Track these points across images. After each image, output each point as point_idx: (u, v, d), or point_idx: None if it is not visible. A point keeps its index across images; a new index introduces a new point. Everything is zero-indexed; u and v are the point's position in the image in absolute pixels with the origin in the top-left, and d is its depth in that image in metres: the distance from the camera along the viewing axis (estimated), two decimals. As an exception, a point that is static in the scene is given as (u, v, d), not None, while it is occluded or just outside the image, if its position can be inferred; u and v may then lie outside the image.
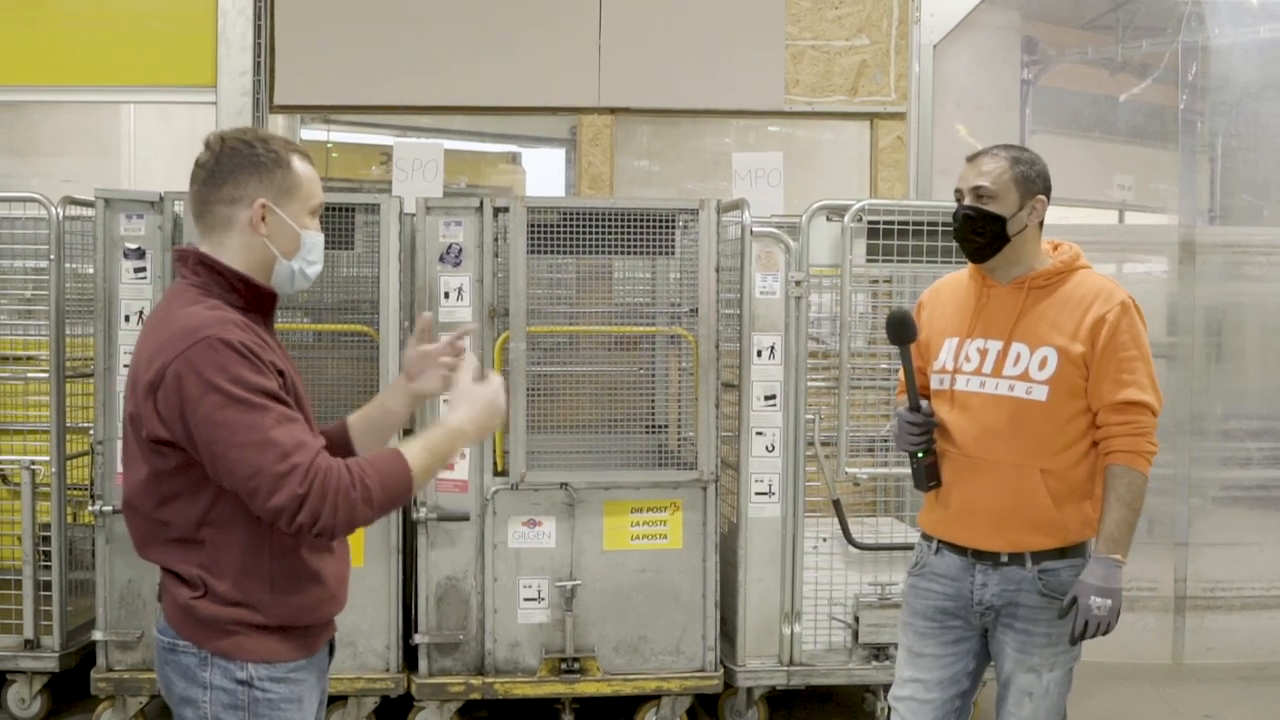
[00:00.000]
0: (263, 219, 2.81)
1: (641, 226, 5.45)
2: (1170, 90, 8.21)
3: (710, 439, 5.48)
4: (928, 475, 3.78)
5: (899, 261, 5.60)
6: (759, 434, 5.59)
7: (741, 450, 5.60)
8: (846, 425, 5.61)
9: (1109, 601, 3.53)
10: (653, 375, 6.00)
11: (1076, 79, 9.33)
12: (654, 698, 5.59)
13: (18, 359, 6.21)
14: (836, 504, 5.65)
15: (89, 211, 5.70)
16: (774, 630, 5.65)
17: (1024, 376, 3.64)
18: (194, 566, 2.75)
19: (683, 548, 5.53)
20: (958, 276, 3.96)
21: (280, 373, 2.75)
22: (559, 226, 5.45)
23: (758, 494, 5.61)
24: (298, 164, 2.86)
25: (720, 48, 7.31)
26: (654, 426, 5.99)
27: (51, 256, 5.59)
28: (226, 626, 2.75)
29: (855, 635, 5.66)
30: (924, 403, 3.79)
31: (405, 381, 3.19)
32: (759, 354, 5.57)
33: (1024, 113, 8.94)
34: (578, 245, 5.44)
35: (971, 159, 3.77)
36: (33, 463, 5.67)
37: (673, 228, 5.55)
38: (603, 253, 5.52)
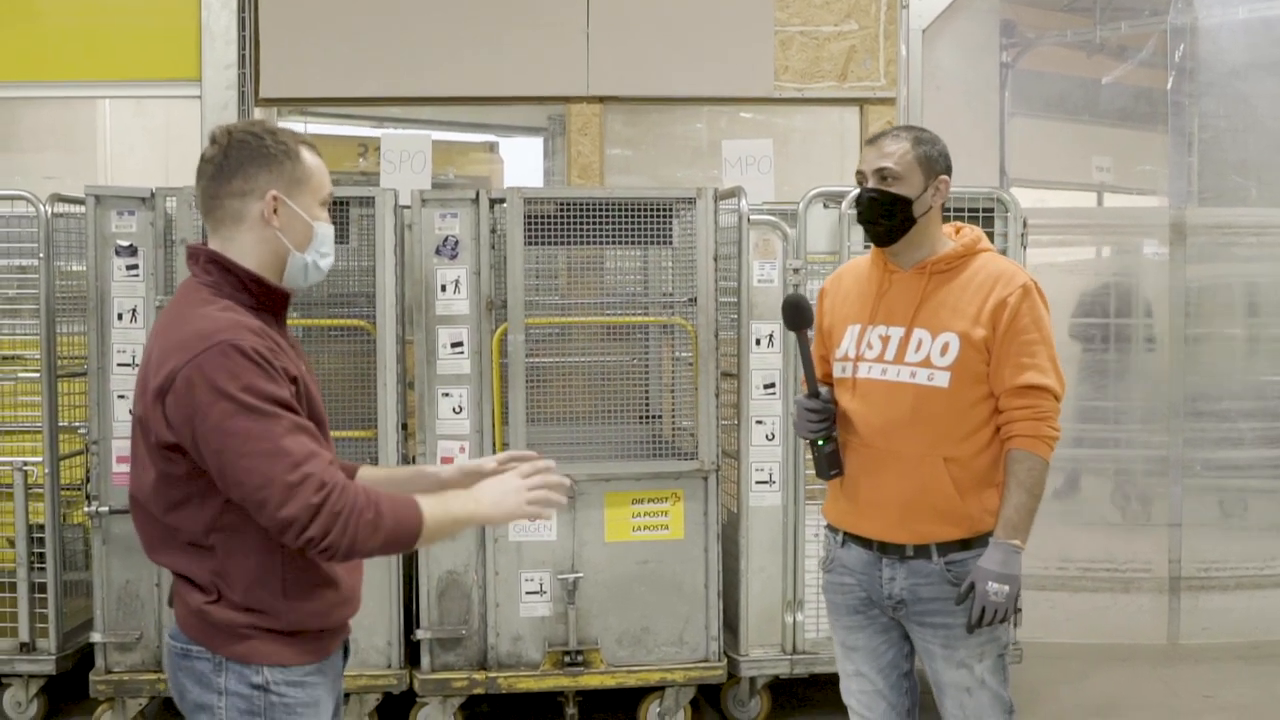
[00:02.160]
0: (274, 211, 2.76)
1: (638, 216, 5.42)
2: (1152, 72, 8.22)
3: (711, 428, 5.46)
4: (829, 464, 3.70)
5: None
6: (759, 423, 5.58)
7: (741, 439, 5.58)
8: (846, 412, 5.59)
9: (1006, 587, 3.47)
10: (647, 365, 5.98)
11: (1055, 61, 9.34)
12: (657, 689, 5.58)
13: (5, 359, 6.13)
14: (837, 491, 5.63)
15: (76, 209, 5.63)
16: (776, 619, 5.64)
17: (925, 363, 3.56)
18: (206, 572, 2.70)
19: (684, 538, 5.51)
20: (860, 262, 3.88)
21: (294, 379, 2.70)
22: (555, 217, 5.41)
23: (758, 483, 5.60)
24: (306, 155, 2.82)
25: (709, 35, 7.29)
26: (649, 416, 5.96)
27: (41, 255, 5.52)
28: (241, 631, 2.70)
29: (858, 622, 5.65)
30: (823, 389, 3.72)
31: (458, 475, 3.11)
32: (758, 342, 5.55)
33: (1003, 96, 8.95)
34: (574, 236, 5.41)
35: (872, 141, 3.70)
36: (25, 464, 5.59)
37: (669, 217, 5.51)
38: (599, 243, 5.48)
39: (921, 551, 3.61)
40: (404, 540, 2.70)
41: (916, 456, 3.56)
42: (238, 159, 2.75)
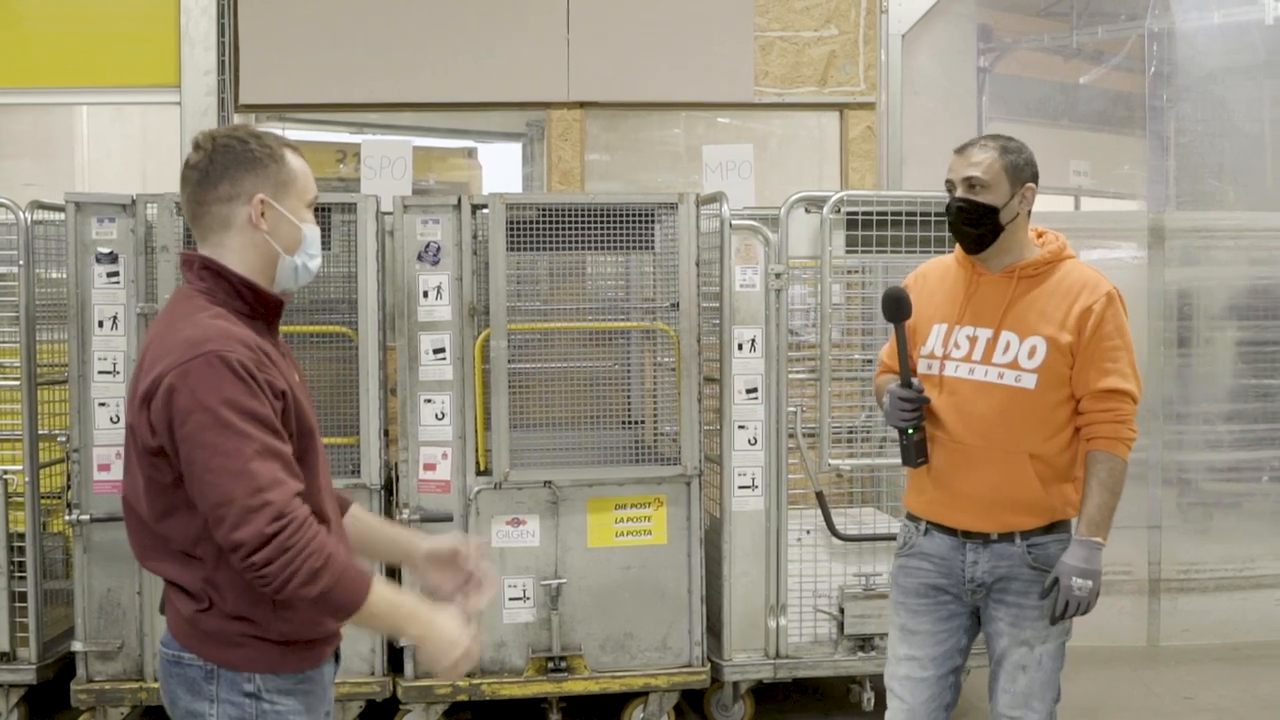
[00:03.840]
0: (262, 215, 2.75)
1: (620, 221, 5.43)
2: (1129, 76, 8.26)
3: (693, 434, 5.47)
4: (917, 451, 3.84)
5: (877, 252, 5.61)
6: (741, 427, 5.58)
7: (724, 444, 5.58)
8: (828, 417, 5.61)
9: (1089, 583, 3.63)
10: (629, 370, 5.98)
11: (1032, 66, 9.38)
12: (641, 694, 5.57)
13: (-17, 366, 6.09)
14: (820, 496, 5.65)
15: (56, 216, 5.60)
16: (759, 623, 5.64)
17: (1013, 365, 3.71)
18: (198, 580, 2.69)
19: (667, 543, 5.52)
20: (943, 262, 4.01)
21: (281, 393, 2.69)
22: (537, 223, 5.41)
23: (741, 488, 5.60)
24: (291, 158, 2.81)
25: (690, 40, 7.29)
26: (631, 422, 5.96)
27: (20, 262, 5.48)
28: (232, 639, 2.70)
29: (841, 626, 5.66)
30: (914, 379, 3.83)
31: (421, 559, 3.08)
32: (740, 347, 5.56)
33: (981, 100, 8.98)
34: (556, 241, 5.41)
35: (960, 150, 3.82)
36: (5, 472, 5.56)
37: (652, 222, 5.52)
38: (581, 248, 5.49)
39: (1005, 536, 3.77)
40: (340, 605, 2.61)
41: (1004, 453, 3.72)
42: (223, 164, 2.74)
